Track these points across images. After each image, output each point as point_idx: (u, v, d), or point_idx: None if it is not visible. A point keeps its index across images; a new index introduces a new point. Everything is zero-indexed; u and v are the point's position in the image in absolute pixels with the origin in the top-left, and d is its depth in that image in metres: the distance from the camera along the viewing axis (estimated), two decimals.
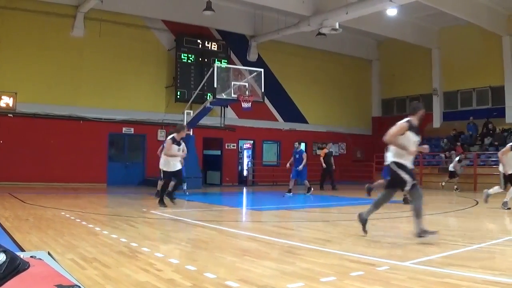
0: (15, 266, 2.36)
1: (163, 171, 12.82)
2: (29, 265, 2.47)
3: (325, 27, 23.57)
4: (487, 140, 26.07)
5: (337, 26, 23.46)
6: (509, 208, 12.50)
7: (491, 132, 26.45)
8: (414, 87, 31.42)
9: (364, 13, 22.57)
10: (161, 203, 12.50)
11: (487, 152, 24.94)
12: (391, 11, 23.04)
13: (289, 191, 18.19)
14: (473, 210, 13.32)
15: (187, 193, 17.26)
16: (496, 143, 25.22)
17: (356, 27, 26.05)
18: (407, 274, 5.12)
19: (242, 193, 21.07)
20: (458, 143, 26.52)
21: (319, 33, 24.87)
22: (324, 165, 21.94)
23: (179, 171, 12.83)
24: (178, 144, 12.68)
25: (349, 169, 21.51)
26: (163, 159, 12.76)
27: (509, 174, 12.83)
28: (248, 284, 4.62)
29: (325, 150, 22.51)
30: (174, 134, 12.71)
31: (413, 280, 4.85)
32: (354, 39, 30.86)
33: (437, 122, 30.35)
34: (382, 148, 29.40)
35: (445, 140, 26.42)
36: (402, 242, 7.34)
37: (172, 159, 12.55)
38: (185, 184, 17.37)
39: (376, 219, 10.67)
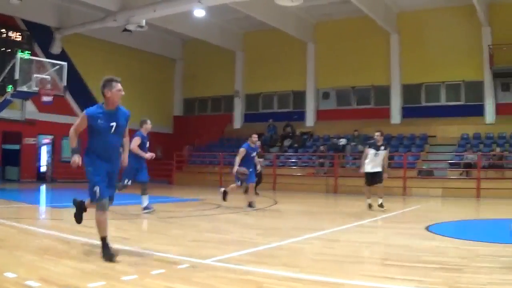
0: None
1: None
2: None
3: (131, 24, 23.49)
4: (286, 142, 27.67)
5: (143, 24, 23.54)
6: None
7: (290, 134, 28.17)
8: (217, 88, 32.26)
9: (172, 12, 22.86)
10: None
11: (286, 153, 26.51)
12: (199, 12, 23.48)
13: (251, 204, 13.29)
14: (272, 209, 13.78)
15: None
16: (295, 145, 27.00)
17: (163, 26, 26.38)
18: (208, 272, 5.30)
19: (41, 189, 20.23)
20: None
21: (125, 29, 24.68)
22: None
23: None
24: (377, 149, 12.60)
25: (148, 167, 21.42)
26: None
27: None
28: (49, 283, 4.58)
29: None
30: None
31: (214, 278, 5.04)
32: (160, 37, 31.10)
33: (238, 123, 31.63)
34: (182, 147, 29.64)
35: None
36: (202, 240, 7.62)
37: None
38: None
39: (176, 218, 11.02)
